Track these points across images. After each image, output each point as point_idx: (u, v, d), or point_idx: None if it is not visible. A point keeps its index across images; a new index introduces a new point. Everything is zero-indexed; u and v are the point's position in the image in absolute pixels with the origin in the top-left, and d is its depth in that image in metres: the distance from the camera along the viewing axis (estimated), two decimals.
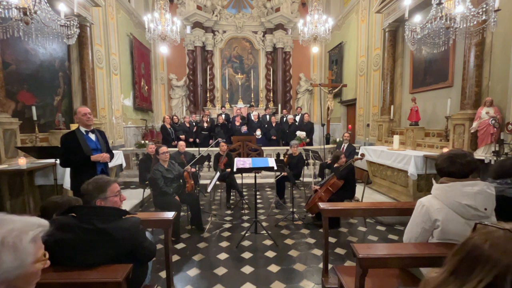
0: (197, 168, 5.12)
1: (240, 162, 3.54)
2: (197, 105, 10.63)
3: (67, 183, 3.96)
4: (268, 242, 3.47)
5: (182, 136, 7.53)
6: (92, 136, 3.10)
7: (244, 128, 7.82)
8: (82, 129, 3.04)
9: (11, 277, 0.81)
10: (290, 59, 11.31)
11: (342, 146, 6.19)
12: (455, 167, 1.60)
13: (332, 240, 3.51)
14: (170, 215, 2.28)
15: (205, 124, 7.98)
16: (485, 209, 1.52)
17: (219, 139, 6.82)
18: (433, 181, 1.78)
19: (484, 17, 3.00)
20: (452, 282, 0.78)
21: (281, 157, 6.39)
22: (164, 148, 3.80)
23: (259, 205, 4.89)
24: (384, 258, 1.59)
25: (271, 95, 11.17)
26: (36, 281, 0.91)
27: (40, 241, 0.91)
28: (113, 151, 3.59)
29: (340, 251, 3.27)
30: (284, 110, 9.81)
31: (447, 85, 4.95)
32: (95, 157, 2.95)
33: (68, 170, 3.96)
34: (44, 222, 0.94)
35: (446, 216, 1.57)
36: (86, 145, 2.98)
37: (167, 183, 3.69)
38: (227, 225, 4.09)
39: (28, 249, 0.86)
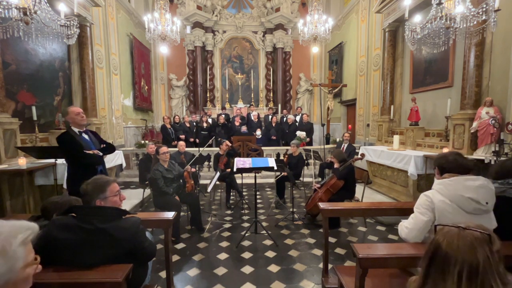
0: (197, 168, 5.12)
1: (240, 162, 3.54)
2: (197, 105, 10.64)
3: None
4: (268, 242, 3.47)
5: (182, 136, 7.53)
6: (86, 137, 2.98)
7: (243, 128, 7.82)
8: (75, 129, 2.91)
9: (3, 282, 0.78)
10: (290, 59, 11.31)
11: (342, 146, 6.19)
12: (465, 163, 1.70)
13: (332, 240, 3.51)
14: (170, 215, 2.28)
15: (205, 124, 7.98)
16: (486, 202, 1.55)
17: (220, 139, 6.83)
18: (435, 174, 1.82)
19: (484, 17, 3.00)
20: None
21: (281, 157, 6.39)
22: (164, 148, 3.80)
23: (259, 205, 4.89)
24: (384, 258, 1.59)
25: (271, 95, 11.17)
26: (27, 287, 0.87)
27: (30, 245, 0.88)
28: None
29: (340, 251, 3.27)
30: (284, 110, 9.82)
31: (447, 85, 4.95)
32: (88, 152, 2.84)
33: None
34: (33, 225, 0.91)
35: (449, 209, 1.59)
36: (87, 145, 2.89)
37: (167, 183, 3.69)
38: (227, 225, 4.08)
39: (18, 253, 0.83)
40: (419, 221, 1.67)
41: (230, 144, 5.31)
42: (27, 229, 0.88)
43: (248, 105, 10.33)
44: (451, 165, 1.70)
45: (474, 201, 1.55)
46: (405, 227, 1.75)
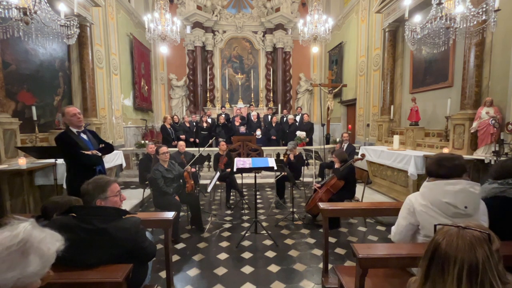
0: (197, 168, 5.12)
1: (240, 162, 3.54)
2: (197, 105, 10.64)
3: None
4: (268, 242, 3.47)
5: (182, 136, 7.53)
6: (84, 137, 2.96)
7: (242, 129, 7.83)
8: (74, 130, 2.89)
9: (24, 283, 0.80)
10: (290, 59, 11.31)
11: (342, 146, 6.19)
12: (442, 170, 1.67)
13: (332, 240, 3.51)
14: (170, 215, 2.28)
15: (205, 124, 7.98)
16: (465, 207, 1.56)
17: (219, 138, 6.84)
18: None
19: (484, 17, 3.00)
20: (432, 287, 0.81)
21: (281, 157, 6.39)
22: (164, 148, 3.80)
23: (259, 205, 4.89)
24: (384, 258, 1.59)
25: (271, 95, 11.18)
26: None
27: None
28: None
29: (340, 251, 3.27)
30: (284, 110, 9.83)
31: (447, 85, 4.95)
32: (87, 152, 2.83)
33: None
34: (61, 237, 0.96)
35: (429, 213, 1.62)
36: (85, 145, 2.88)
37: (167, 183, 3.69)
38: (227, 225, 4.08)
39: (51, 258, 0.87)
40: (399, 225, 1.77)
41: (225, 144, 5.32)
42: (61, 239, 0.94)
43: (248, 105, 10.33)
44: (433, 170, 1.71)
45: (452, 206, 1.56)
46: (392, 230, 1.86)
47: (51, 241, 0.88)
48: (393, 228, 1.86)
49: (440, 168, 1.67)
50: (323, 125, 6.15)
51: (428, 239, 1.60)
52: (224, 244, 3.46)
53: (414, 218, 1.68)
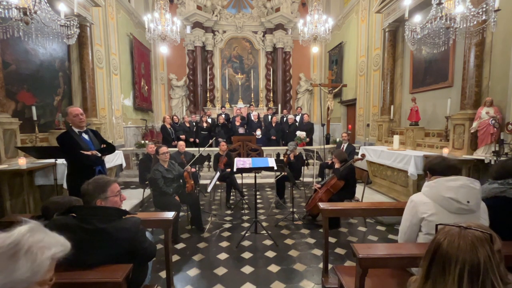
0: (197, 168, 5.12)
1: (240, 162, 3.54)
2: (197, 105, 10.64)
3: None
4: (268, 242, 3.47)
5: (182, 136, 7.53)
6: (86, 137, 3.02)
7: (241, 130, 7.83)
8: (75, 129, 2.96)
9: None
10: (290, 59, 11.31)
11: (342, 146, 6.20)
12: (440, 165, 1.75)
13: (332, 240, 3.51)
14: (170, 215, 2.29)
15: (205, 124, 7.98)
16: (468, 202, 1.57)
17: (219, 138, 6.84)
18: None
19: (484, 17, 3.00)
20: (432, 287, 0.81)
21: (281, 157, 6.39)
22: (164, 148, 3.80)
23: (259, 205, 4.89)
24: (384, 258, 1.59)
25: (271, 95, 11.18)
26: None
27: (55, 263, 0.88)
28: None
29: (340, 251, 3.27)
30: (284, 110, 9.82)
31: (447, 85, 4.95)
32: (86, 153, 2.87)
33: None
34: (67, 244, 0.91)
35: (433, 210, 1.63)
36: (86, 145, 2.93)
37: (167, 183, 3.69)
38: (227, 225, 4.08)
39: (43, 264, 0.83)
40: (403, 226, 1.79)
41: (225, 145, 5.34)
42: (61, 245, 0.89)
43: (248, 105, 10.33)
44: (437, 167, 1.75)
45: (455, 201, 1.57)
46: (399, 233, 1.87)
47: (47, 246, 0.84)
48: (400, 230, 1.88)
49: (450, 163, 1.74)
50: (323, 125, 6.15)
51: (430, 237, 1.61)
52: (224, 244, 3.46)
53: (417, 218, 1.69)
